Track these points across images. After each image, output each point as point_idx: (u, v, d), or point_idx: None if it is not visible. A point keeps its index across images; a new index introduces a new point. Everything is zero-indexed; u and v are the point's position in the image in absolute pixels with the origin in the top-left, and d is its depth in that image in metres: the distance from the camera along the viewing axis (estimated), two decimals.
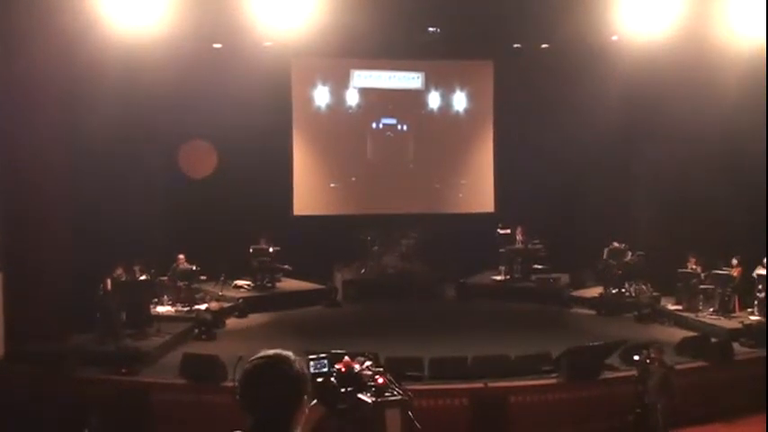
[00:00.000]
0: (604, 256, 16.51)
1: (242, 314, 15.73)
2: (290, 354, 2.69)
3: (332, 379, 6.53)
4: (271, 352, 2.68)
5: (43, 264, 12.55)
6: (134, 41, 13.27)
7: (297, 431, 2.64)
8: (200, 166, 16.77)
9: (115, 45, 13.01)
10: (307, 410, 2.72)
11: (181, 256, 15.38)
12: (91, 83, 13.01)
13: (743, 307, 14.58)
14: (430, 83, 19.63)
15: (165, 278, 15.16)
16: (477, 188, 20.04)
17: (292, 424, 2.61)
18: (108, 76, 13.00)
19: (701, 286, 14.84)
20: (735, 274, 14.56)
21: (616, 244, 16.45)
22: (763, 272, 14.23)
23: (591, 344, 12.08)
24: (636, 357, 10.20)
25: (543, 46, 17.62)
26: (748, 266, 14.45)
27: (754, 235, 14.52)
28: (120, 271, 13.58)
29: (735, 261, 14.63)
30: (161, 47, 13.93)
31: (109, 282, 13.05)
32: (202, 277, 15.67)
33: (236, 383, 2.66)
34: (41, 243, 12.57)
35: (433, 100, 19.68)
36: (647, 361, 10.03)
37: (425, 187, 19.70)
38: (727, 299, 14.49)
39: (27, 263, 12.28)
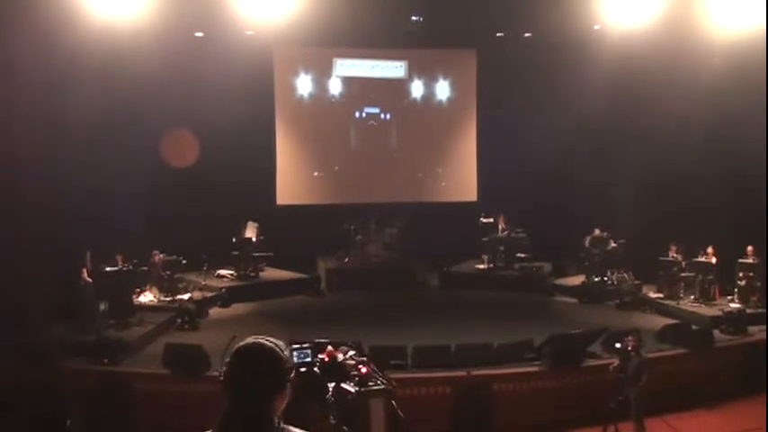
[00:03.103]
0: (586, 245, 16.63)
1: (225, 304, 15.66)
2: (279, 342, 2.68)
3: (315, 368, 6.54)
4: (261, 338, 2.67)
5: (22, 252, 12.41)
6: (116, 29, 13.20)
7: (275, 419, 2.61)
8: (182, 154, 16.65)
9: (98, 33, 12.91)
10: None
11: (155, 252, 15.24)
12: (73, 71, 12.86)
13: (723, 295, 14.73)
14: (413, 72, 19.61)
15: (147, 268, 15.06)
16: (460, 177, 20.06)
17: (269, 411, 2.59)
18: (90, 64, 12.86)
19: (682, 274, 14.98)
20: (712, 262, 14.70)
21: (598, 232, 16.57)
22: (747, 260, 14.40)
23: (573, 332, 12.15)
24: (617, 345, 10.24)
25: (526, 35, 17.64)
26: (731, 255, 14.56)
27: (734, 223, 14.64)
28: (100, 260, 13.47)
29: (710, 249, 14.76)
30: (143, 35, 13.82)
31: (89, 271, 12.96)
32: (183, 261, 15.60)
33: (224, 364, 2.65)
34: (20, 232, 12.42)
35: (416, 89, 19.67)
36: (629, 348, 10.09)
37: (408, 176, 19.68)
38: (707, 287, 14.63)
39: (5, 251, 12.14)
